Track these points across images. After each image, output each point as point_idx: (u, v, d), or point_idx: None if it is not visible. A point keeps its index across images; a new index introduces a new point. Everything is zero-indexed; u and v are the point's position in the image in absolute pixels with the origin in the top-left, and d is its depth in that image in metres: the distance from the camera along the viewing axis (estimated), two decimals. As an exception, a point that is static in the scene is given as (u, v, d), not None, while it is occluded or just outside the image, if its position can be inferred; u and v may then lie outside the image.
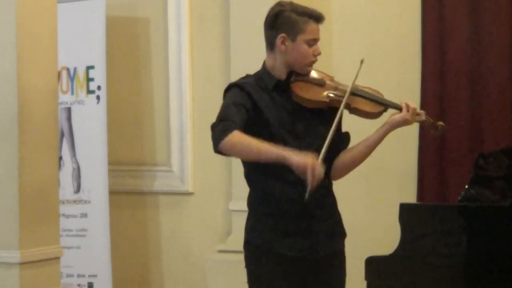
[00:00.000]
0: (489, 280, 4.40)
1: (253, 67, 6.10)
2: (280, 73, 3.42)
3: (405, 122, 3.44)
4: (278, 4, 3.44)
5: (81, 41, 6.11)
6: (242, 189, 5.96)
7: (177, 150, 6.27)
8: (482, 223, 4.44)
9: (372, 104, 3.46)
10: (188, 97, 6.25)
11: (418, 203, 5.54)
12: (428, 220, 4.56)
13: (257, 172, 3.40)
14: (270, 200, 3.39)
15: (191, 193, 6.28)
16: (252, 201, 3.49)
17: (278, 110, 3.37)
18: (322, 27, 3.45)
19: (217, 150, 3.25)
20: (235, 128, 3.20)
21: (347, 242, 3.53)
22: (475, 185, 4.61)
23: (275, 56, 3.42)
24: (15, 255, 4.48)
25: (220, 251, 5.98)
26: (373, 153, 3.48)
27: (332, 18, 5.82)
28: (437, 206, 4.89)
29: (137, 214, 6.42)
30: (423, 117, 3.47)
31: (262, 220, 3.41)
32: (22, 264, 4.48)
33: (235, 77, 5.92)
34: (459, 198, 4.63)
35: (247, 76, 3.48)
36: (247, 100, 3.33)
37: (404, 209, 4.56)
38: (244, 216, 3.36)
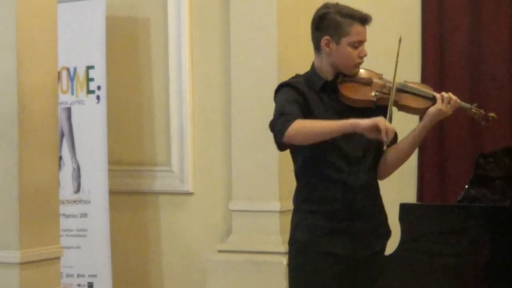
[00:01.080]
0: (489, 280, 4.40)
1: (253, 67, 6.10)
2: (327, 74, 3.44)
3: (441, 113, 3.43)
4: (324, 6, 3.46)
5: (81, 41, 6.10)
6: (242, 189, 6.01)
7: (177, 150, 6.27)
8: (482, 223, 4.44)
9: (420, 99, 3.44)
10: (188, 97, 6.24)
11: (418, 203, 5.53)
12: (428, 220, 4.56)
13: (305, 170, 3.41)
14: (315, 198, 3.40)
15: (191, 193, 6.27)
16: (298, 198, 3.49)
17: (326, 110, 3.38)
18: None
19: (282, 142, 3.26)
20: (296, 118, 3.23)
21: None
22: (475, 185, 4.61)
23: (321, 58, 3.45)
24: (15, 255, 4.48)
25: (220, 251, 5.96)
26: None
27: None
28: (437, 206, 4.89)
29: (137, 214, 6.41)
30: (457, 103, 3.44)
31: (307, 218, 3.42)
32: (22, 264, 4.48)
33: (235, 77, 5.99)
34: (459, 198, 4.62)
35: (297, 76, 3.50)
36: (299, 98, 3.34)
37: (404, 209, 4.55)
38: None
